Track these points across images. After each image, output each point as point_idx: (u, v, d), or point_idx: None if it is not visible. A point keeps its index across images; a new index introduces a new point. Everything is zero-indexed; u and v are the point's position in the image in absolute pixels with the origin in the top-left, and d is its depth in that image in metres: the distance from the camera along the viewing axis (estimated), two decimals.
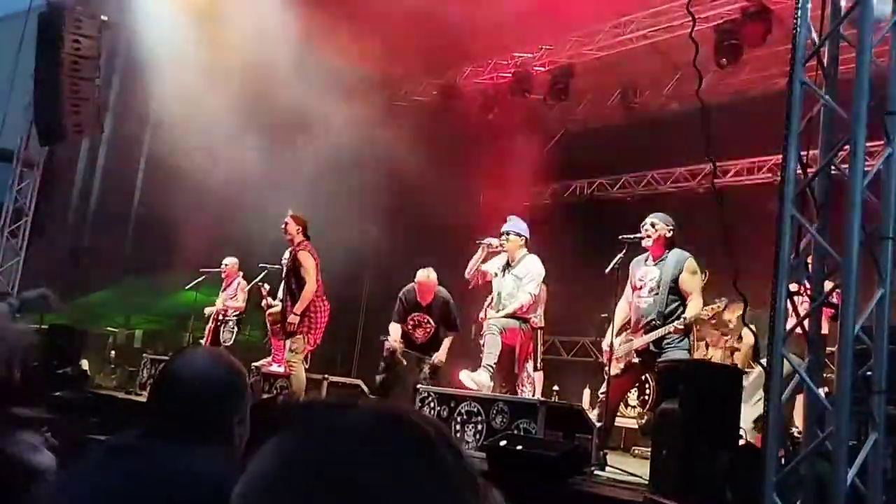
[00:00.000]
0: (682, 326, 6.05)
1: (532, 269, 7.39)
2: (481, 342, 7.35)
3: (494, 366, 7.09)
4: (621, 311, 6.48)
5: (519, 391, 7.34)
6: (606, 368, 6.45)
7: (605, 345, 6.56)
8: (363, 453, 0.66)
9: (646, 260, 6.44)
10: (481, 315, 7.78)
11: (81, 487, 1.68)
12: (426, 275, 8.27)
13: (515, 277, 7.38)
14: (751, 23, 9.28)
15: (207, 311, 10.32)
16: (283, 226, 7.96)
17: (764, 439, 3.97)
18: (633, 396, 9.07)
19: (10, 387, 2.24)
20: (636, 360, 6.31)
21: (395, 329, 8.27)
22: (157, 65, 10.88)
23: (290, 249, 8.03)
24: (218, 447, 1.77)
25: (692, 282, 6.20)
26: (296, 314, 7.63)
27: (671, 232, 6.38)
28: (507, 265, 7.54)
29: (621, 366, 6.36)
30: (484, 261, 7.72)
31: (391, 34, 9.77)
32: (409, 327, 8.29)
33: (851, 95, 3.88)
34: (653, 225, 6.39)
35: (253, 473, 0.69)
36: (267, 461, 0.68)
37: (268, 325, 9.64)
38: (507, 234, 7.53)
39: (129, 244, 13.87)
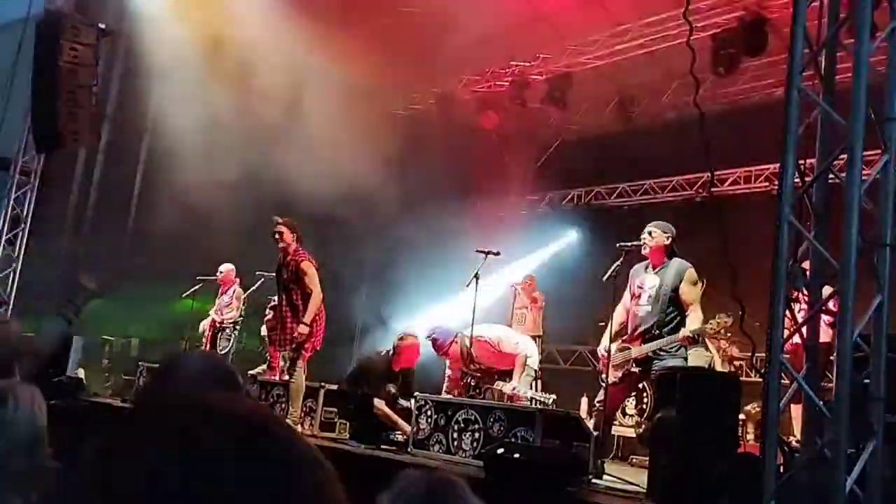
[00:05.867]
0: (689, 334, 6.01)
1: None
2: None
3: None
4: (617, 317, 6.45)
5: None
6: (602, 376, 6.43)
7: (600, 350, 6.54)
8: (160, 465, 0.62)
9: (646, 268, 6.42)
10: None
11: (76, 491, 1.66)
12: (412, 339, 7.72)
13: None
14: (748, 32, 9.31)
15: (203, 325, 10.27)
16: (276, 234, 7.64)
17: (762, 447, 3.95)
18: (630, 405, 9.05)
19: None
20: (634, 369, 6.29)
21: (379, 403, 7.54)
22: (155, 73, 10.89)
23: (286, 258, 7.71)
24: None
25: (692, 292, 6.17)
26: (306, 324, 7.36)
27: (669, 240, 6.37)
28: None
29: (619, 374, 6.35)
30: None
31: (390, 43, 9.79)
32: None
33: (849, 104, 3.88)
34: (650, 233, 6.38)
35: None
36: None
37: (265, 333, 9.60)
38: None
39: (126, 252, 13.84)
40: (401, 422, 7.31)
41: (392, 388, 7.50)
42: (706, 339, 7.79)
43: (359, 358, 7.92)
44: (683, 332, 6.01)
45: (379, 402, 7.35)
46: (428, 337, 7.75)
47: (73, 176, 14.04)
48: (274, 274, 8.59)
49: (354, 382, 7.58)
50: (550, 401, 7.36)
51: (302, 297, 7.53)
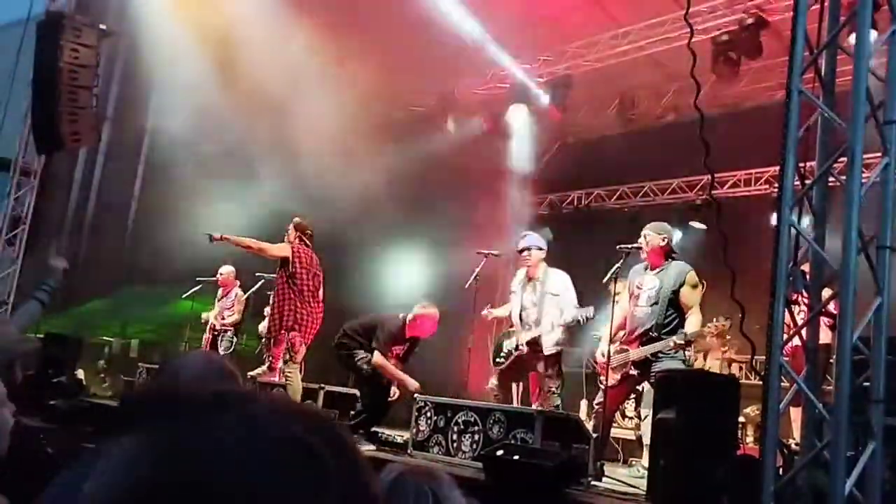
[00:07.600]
0: (681, 342, 6.01)
1: (565, 281, 7.15)
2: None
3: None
4: (616, 319, 6.45)
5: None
6: (601, 379, 6.43)
7: (598, 354, 6.55)
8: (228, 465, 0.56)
9: (645, 268, 6.42)
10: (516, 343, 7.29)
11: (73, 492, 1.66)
12: (433, 310, 7.27)
13: (551, 294, 7.08)
14: (748, 34, 9.31)
15: (204, 316, 10.32)
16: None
17: (762, 449, 3.95)
18: (629, 407, 9.05)
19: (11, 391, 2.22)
20: (633, 371, 6.29)
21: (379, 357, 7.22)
22: (156, 74, 10.89)
23: None
24: None
25: (692, 295, 6.17)
26: (226, 237, 7.88)
27: (665, 241, 6.36)
28: (529, 280, 7.26)
29: (617, 377, 6.35)
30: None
31: (391, 45, 9.79)
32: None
33: (848, 106, 3.88)
34: (645, 236, 6.39)
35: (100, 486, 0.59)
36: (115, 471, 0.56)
37: (263, 332, 9.60)
38: (529, 249, 7.19)
39: (126, 253, 13.85)
40: (399, 374, 7.12)
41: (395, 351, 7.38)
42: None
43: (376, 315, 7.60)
44: (676, 337, 6.00)
45: (378, 357, 7.06)
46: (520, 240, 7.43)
47: (73, 176, 14.05)
48: (274, 275, 8.66)
49: (363, 332, 7.30)
50: (591, 313, 6.96)
51: (289, 279, 7.69)
